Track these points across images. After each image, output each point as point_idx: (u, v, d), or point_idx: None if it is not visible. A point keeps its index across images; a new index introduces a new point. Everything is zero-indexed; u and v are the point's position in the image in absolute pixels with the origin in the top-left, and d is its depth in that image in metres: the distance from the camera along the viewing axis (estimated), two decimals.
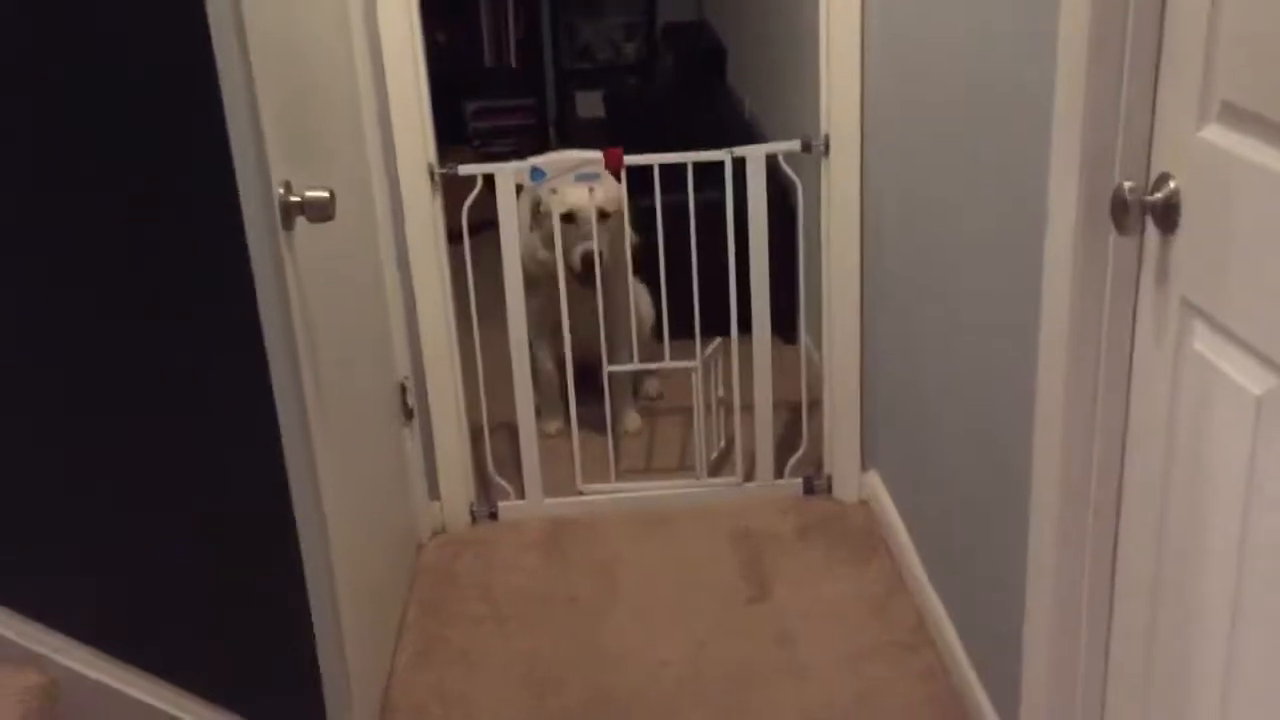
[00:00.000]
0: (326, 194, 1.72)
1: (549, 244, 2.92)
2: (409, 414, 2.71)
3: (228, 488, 1.68)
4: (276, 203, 1.65)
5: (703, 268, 2.76)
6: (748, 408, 2.89)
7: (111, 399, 1.63)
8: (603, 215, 2.86)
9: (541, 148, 2.72)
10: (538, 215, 2.95)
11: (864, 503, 2.86)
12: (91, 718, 1.72)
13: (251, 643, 1.75)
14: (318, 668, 1.77)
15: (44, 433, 1.64)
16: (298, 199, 1.70)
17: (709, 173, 2.73)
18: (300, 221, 1.74)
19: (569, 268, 2.84)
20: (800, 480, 2.92)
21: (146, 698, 1.73)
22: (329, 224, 1.84)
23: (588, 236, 2.83)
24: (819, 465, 2.93)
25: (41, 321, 1.59)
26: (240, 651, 1.76)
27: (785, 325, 3.26)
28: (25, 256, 1.56)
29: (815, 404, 2.95)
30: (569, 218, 2.86)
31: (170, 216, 1.55)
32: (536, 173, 2.60)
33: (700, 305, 2.82)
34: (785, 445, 2.96)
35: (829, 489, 2.91)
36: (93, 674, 1.71)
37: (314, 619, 1.75)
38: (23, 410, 1.62)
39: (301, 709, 1.79)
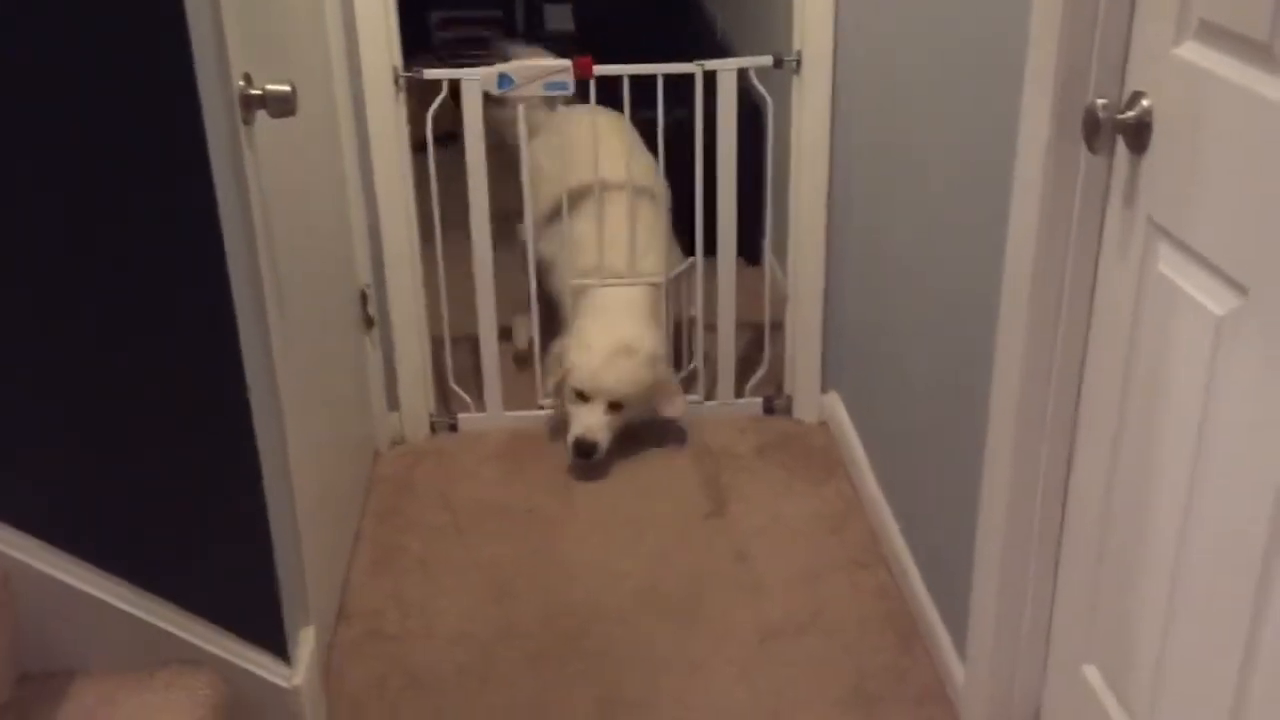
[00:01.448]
0: (288, 88, 1.67)
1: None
2: (369, 322, 2.69)
3: (185, 388, 1.65)
4: (236, 94, 1.61)
5: (670, 186, 2.73)
6: (710, 328, 2.89)
7: (66, 295, 1.59)
8: (614, 406, 2.64)
9: (508, 60, 2.65)
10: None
11: (823, 424, 2.88)
12: (46, 613, 1.71)
13: (207, 544, 1.74)
14: (274, 570, 1.76)
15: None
16: (258, 92, 1.66)
17: (678, 92, 2.68)
18: (261, 118, 1.70)
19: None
20: (760, 400, 2.93)
21: (102, 594, 1.71)
22: (290, 124, 1.79)
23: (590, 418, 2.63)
24: (779, 386, 2.95)
25: None
26: (196, 553, 1.74)
27: (750, 246, 3.25)
28: None
29: (777, 326, 2.95)
30: (581, 395, 2.65)
31: (125, 105, 1.50)
32: (504, 80, 2.55)
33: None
34: (746, 366, 2.97)
35: (789, 409, 2.92)
36: (47, 569, 1.69)
37: (270, 521, 1.74)
38: None
39: (257, 611, 1.78)
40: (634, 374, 2.64)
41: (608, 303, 2.73)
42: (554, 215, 2.86)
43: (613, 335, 2.66)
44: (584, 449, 2.62)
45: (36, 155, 1.52)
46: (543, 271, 2.89)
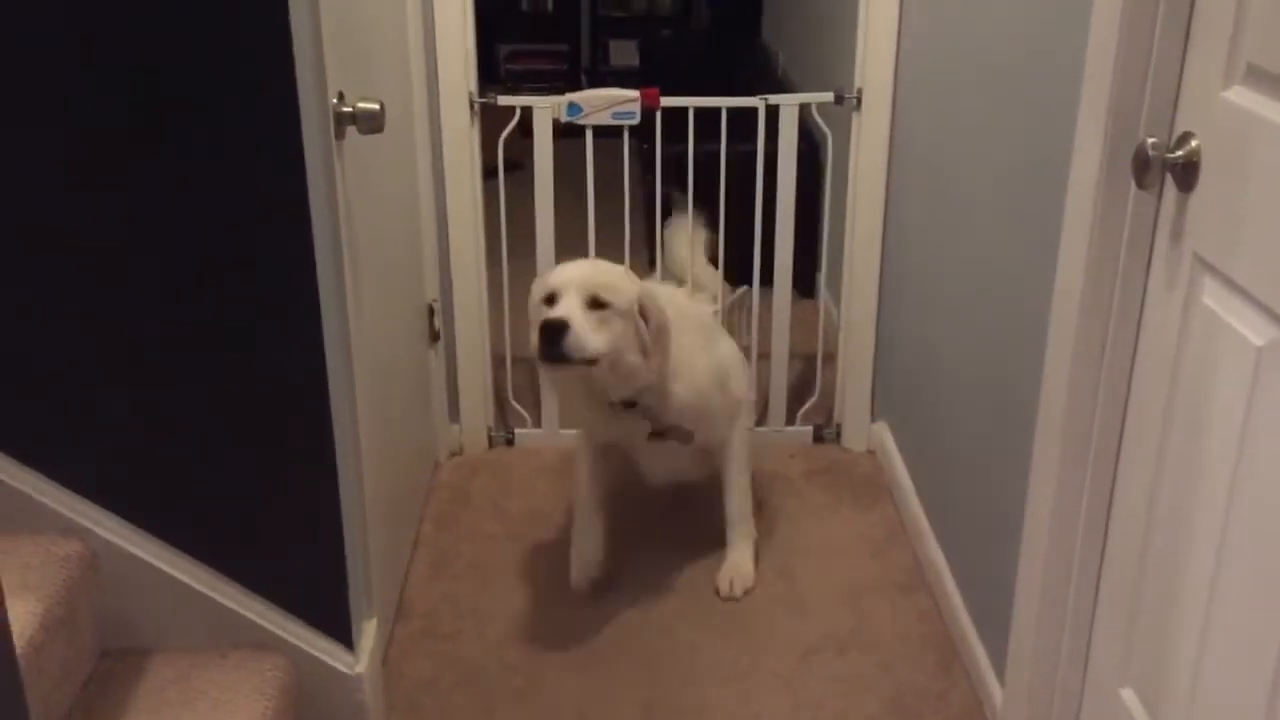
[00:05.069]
0: (377, 106, 1.78)
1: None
2: (435, 336, 2.79)
3: (271, 384, 1.75)
4: (331, 110, 1.71)
5: (728, 218, 2.81)
6: (764, 356, 2.96)
7: (166, 294, 1.69)
8: (596, 304, 2.06)
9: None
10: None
11: (871, 452, 2.93)
12: (129, 592, 1.81)
13: (283, 534, 1.82)
14: (344, 562, 1.85)
15: (95, 311, 1.70)
16: (350, 109, 1.77)
17: (739, 126, 2.77)
18: (350, 133, 1.81)
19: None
20: (810, 428, 2.99)
21: (182, 576, 1.80)
22: (372, 142, 1.90)
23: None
24: (829, 415, 3.01)
25: (101, 212, 1.65)
26: (273, 542, 1.82)
27: (804, 279, 3.32)
28: (92, 154, 1.62)
29: (829, 357, 3.02)
30: (550, 299, 2.08)
31: (234, 118, 1.60)
32: (573, 108, 2.65)
33: (724, 253, 2.87)
34: (797, 394, 3.03)
35: (838, 438, 2.98)
36: (133, 549, 1.78)
37: (343, 518, 1.83)
38: (72, 286, 1.69)
39: (326, 600, 1.86)
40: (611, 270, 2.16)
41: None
42: None
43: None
44: (550, 327, 2.01)
45: (146, 165, 1.63)
46: None
